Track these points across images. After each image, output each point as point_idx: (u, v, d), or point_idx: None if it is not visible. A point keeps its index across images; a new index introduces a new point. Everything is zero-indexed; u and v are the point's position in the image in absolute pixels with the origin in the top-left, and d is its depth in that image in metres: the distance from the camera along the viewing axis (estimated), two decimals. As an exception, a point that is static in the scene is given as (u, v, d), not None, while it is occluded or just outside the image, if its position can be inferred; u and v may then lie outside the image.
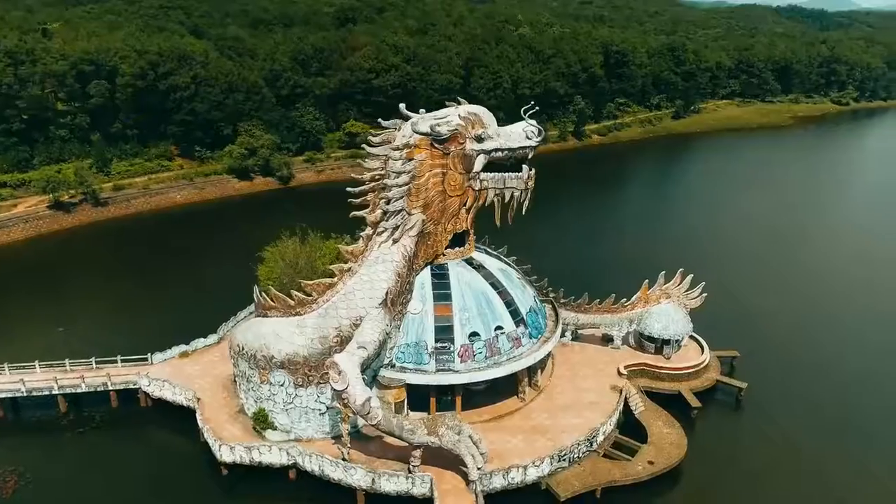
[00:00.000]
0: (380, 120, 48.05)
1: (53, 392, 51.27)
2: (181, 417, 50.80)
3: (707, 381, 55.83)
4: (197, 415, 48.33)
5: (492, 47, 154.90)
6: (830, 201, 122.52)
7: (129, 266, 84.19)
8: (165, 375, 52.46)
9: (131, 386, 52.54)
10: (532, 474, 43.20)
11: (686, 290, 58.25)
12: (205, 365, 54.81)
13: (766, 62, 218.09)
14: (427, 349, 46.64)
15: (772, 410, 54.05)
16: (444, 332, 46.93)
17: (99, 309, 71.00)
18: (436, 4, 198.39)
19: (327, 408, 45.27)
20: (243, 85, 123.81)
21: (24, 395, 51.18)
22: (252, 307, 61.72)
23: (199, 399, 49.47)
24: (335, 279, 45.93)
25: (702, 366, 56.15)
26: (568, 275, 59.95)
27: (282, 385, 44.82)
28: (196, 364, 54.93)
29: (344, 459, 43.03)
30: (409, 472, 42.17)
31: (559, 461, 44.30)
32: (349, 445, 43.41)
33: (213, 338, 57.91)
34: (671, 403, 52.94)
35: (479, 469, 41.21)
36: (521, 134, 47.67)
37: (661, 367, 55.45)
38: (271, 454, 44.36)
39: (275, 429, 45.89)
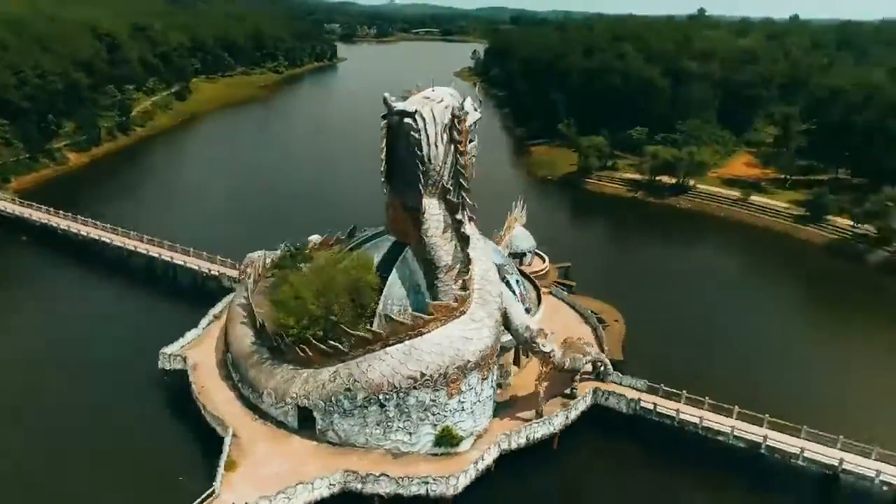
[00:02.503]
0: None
1: None
2: None
3: (551, 280, 76.51)
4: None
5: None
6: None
7: None
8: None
9: None
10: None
11: (520, 213, 76.32)
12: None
13: (216, 41, 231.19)
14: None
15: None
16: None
17: None
18: None
19: (495, 389, 46.49)
20: None
21: None
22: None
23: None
24: (470, 269, 45.17)
25: (546, 270, 76.34)
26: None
27: (471, 387, 43.35)
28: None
29: (539, 415, 46.45)
30: (571, 394, 49.43)
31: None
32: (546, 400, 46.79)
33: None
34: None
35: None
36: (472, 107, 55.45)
37: (531, 273, 73.01)
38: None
39: (463, 439, 43.80)
